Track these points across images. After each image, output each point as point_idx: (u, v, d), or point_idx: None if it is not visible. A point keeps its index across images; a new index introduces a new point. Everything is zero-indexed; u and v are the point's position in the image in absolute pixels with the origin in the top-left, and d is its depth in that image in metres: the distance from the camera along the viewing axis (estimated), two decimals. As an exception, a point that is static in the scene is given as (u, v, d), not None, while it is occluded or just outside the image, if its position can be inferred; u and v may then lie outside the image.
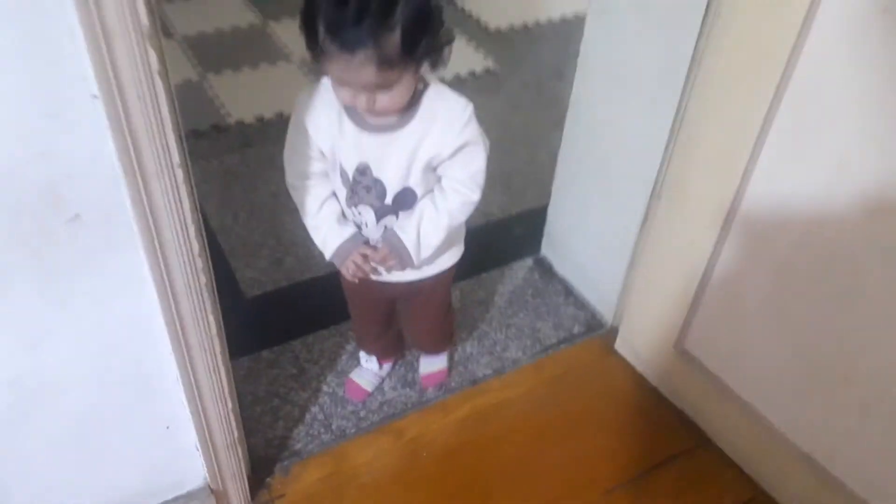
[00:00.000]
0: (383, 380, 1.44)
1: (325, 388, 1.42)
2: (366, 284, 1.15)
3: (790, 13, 0.99)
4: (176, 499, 1.13)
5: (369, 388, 1.42)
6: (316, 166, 1.06)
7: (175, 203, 0.82)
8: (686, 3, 1.16)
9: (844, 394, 1.12)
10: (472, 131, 1.00)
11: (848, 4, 0.94)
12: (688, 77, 1.21)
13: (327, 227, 1.09)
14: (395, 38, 0.86)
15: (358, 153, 1.01)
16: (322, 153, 1.04)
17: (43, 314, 0.82)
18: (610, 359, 1.54)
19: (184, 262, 0.87)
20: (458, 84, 2.36)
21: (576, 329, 1.60)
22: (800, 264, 1.12)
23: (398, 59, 0.87)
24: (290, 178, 1.08)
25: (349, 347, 1.50)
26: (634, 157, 1.39)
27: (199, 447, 1.08)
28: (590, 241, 1.61)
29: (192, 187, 0.85)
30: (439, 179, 1.05)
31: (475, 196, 1.06)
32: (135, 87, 0.71)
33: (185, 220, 0.84)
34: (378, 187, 1.03)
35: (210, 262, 0.93)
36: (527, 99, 2.33)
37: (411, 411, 1.40)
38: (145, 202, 0.79)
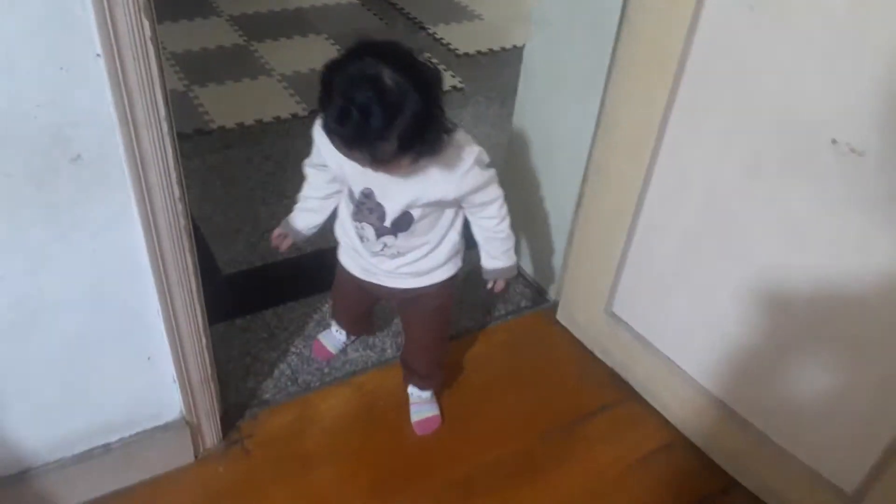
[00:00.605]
0: (347, 345, 1.60)
1: (293, 349, 1.58)
2: (363, 286, 1.29)
3: (679, 17, 1.19)
4: (154, 429, 1.27)
5: (334, 352, 1.57)
6: (320, 169, 1.23)
7: (161, 151, 1.00)
8: (605, 13, 1.36)
9: (740, 338, 1.30)
10: (476, 177, 1.11)
11: (722, 4, 1.14)
12: (608, 75, 1.41)
13: (299, 209, 1.32)
14: (390, 147, 0.96)
15: (364, 179, 1.12)
16: (326, 166, 1.17)
17: (45, 241, 0.98)
18: (551, 327, 1.71)
19: (167, 203, 1.05)
20: (426, 98, 2.56)
21: (523, 303, 1.78)
22: (700, 228, 1.31)
23: (392, 158, 0.99)
24: (305, 168, 1.27)
25: (316, 317, 1.67)
26: (568, 148, 1.58)
27: (176, 380, 1.23)
28: (535, 225, 1.79)
29: (175, 143, 1.03)
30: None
31: (502, 208, 1.23)
32: (130, 50, 0.89)
33: (168, 166, 1.02)
34: (379, 211, 1.14)
35: (189, 208, 1.10)
36: (490, 112, 2.54)
37: (371, 369, 1.56)
38: (135, 148, 0.97)
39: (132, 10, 0.87)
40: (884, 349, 1.09)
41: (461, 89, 2.65)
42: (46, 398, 1.13)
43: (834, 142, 1.04)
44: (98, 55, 0.88)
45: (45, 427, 1.17)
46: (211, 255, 1.81)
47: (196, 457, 1.35)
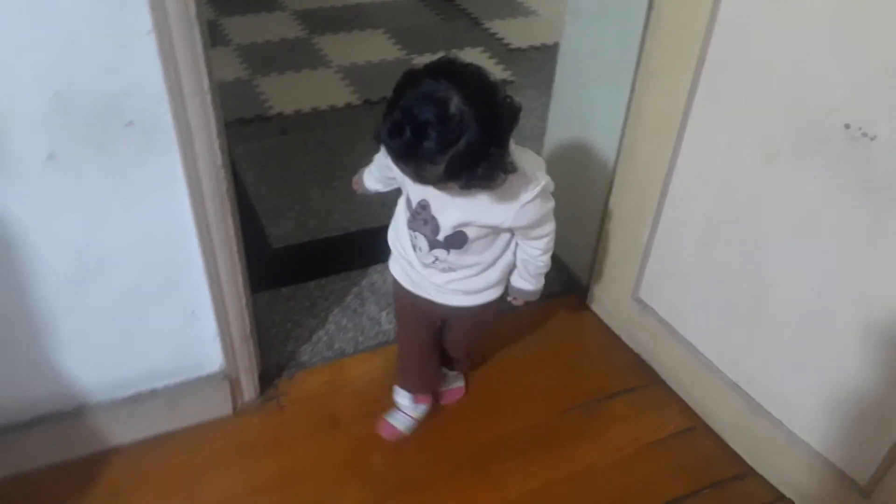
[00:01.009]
0: (417, 423, 1.46)
1: (331, 318, 1.68)
2: (417, 302, 1.26)
3: (700, 8, 1.22)
4: (197, 379, 1.39)
5: (402, 429, 1.44)
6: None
7: (205, 121, 1.10)
8: (633, 4, 1.38)
9: (758, 324, 1.31)
10: (536, 210, 1.08)
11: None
12: (637, 62, 1.44)
13: (368, 171, 1.31)
14: (436, 171, 0.95)
15: (423, 190, 1.10)
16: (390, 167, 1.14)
17: (103, 199, 1.10)
18: (582, 313, 1.75)
19: (210, 169, 1.15)
20: (477, 91, 2.64)
21: (556, 289, 1.81)
22: (719, 214, 1.33)
23: (437, 181, 0.99)
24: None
25: (355, 290, 1.76)
26: (601, 136, 1.61)
27: (218, 335, 1.34)
28: (570, 213, 1.81)
29: (219, 113, 1.13)
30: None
31: (550, 242, 1.20)
32: (177, 27, 1.00)
33: (211, 135, 1.12)
34: (433, 224, 1.13)
35: (231, 175, 1.21)
36: (538, 104, 2.56)
37: (401, 341, 1.64)
38: (182, 116, 1.08)
39: (180, -9, 0.98)
40: (890, 338, 1.09)
41: (511, 82, 2.71)
42: (101, 341, 1.26)
43: (847, 126, 1.05)
44: (149, 32, 0.99)
45: (100, 368, 1.30)
46: (262, 230, 1.94)
47: (234, 409, 1.46)
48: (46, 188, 1.06)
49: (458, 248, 1.15)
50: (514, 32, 3.06)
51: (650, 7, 1.35)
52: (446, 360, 1.50)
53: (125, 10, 0.97)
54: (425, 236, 1.15)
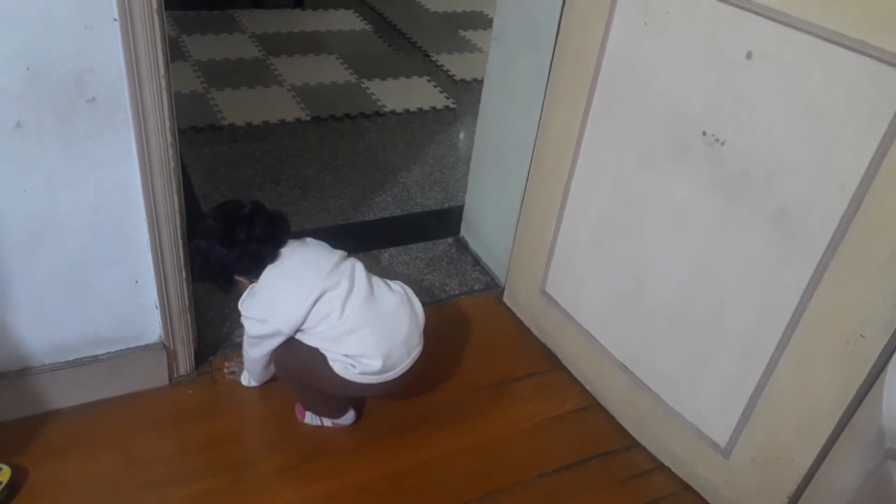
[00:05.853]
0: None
1: (265, 304, 1.81)
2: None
3: (594, 32, 1.45)
4: (136, 348, 1.50)
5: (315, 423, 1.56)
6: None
7: (159, 103, 1.25)
8: (545, 30, 1.62)
9: (639, 309, 1.51)
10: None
11: (624, 20, 1.39)
12: (547, 83, 1.66)
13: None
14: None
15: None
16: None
17: (61, 167, 1.24)
18: (498, 308, 1.92)
19: (161, 147, 1.30)
20: (421, 115, 2.85)
21: (476, 287, 1.99)
22: (608, 212, 1.53)
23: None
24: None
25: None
26: (518, 149, 1.81)
27: (158, 306, 1.47)
28: (491, 220, 2.03)
29: (171, 99, 1.29)
30: None
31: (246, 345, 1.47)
32: (140, 17, 1.16)
33: (164, 116, 1.27)
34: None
35: (179, 156, 1.35)
36: (474, 129, 2.80)
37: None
38: (139, 97, 1.23)
39: (144, -13, 1.14)
40: (739, 314, 1.29)
41: (453, 109, 2.93)
42: (50, 305, 1.37)
43: (704, 133, 1.27)
44: (115, 20, 1.15)
45: (46, 332, 1.40)
46: (207, 225, 2.07)
47: (170, 380, 1.57)
48: (11, 153, 1.19)
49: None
50: (460, 65, 3.30)
51: (557, 35, 1.58)
52: None
53: (95, -1, 1.13)
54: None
